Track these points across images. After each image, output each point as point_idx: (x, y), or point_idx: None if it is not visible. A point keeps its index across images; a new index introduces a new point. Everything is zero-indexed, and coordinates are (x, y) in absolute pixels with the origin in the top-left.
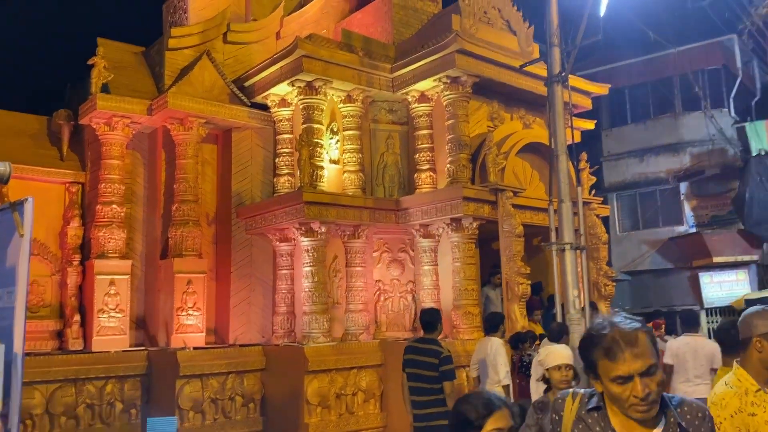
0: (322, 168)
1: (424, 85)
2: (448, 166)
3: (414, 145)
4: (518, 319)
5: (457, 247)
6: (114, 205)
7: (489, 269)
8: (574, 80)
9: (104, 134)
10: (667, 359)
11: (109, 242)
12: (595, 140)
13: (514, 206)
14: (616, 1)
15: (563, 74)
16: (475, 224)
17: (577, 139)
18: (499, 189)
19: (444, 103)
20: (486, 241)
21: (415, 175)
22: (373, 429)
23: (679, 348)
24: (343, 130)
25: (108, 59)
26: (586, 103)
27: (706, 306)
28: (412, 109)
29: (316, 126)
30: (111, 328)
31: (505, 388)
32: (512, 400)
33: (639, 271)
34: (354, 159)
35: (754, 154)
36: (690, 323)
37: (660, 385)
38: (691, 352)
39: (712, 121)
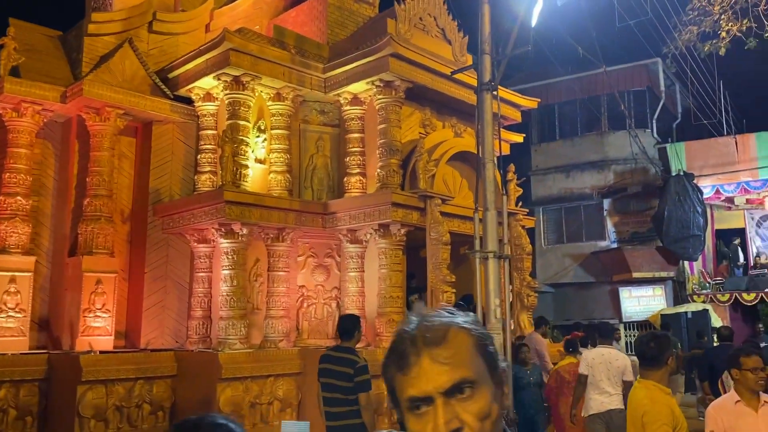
0: (246, 167)
1: (357, 87)
2: (379, 171)
3: (345, 148)
4: None
5: (384, 253)
6: (18, 197)
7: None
8: (504, 93)
9: (11, 121)
10: (582, 369)
11: (11, 236)
12: (524, 154)
13: (443, 214)
14: (549, 18)
15: (493, 83)
16: (403, 231)
17: (506, 151)
18: (428, 196)
19: (376, 107)
20: (414, 249)
21: (345, 179)
22: None
23: (594, 359)
24: (271, 129)
25: (20, 41)
26: (516, 116)
27: (624, 320)
28: (344, 112)
29: (242, 123)
30: (9, 329)
31: None
32: None
33: (562, 283)
34: (281, 159)
35: (673, 174)
36: (605, 335)
37: (493, 419)
38: (605, 364)
39: (636, 140)
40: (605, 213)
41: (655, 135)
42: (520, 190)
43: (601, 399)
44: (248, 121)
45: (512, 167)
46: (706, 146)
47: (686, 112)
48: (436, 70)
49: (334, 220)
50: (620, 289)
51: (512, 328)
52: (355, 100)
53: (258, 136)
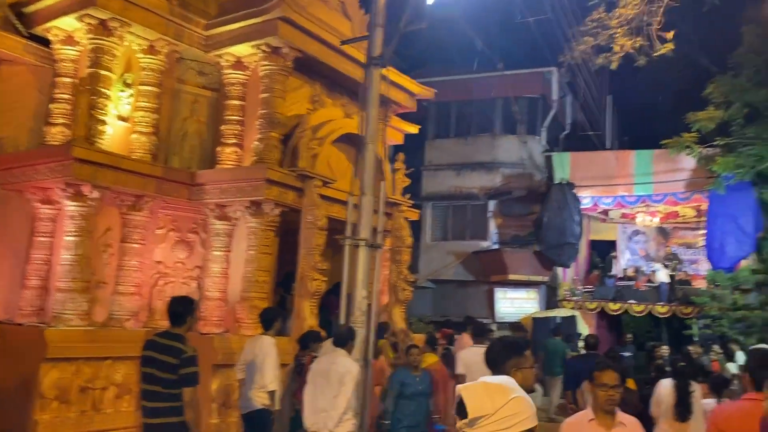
0: (104, 123)
1: (241, 50)
2: (257, 143)
3: (223, 115)
4: (307, 318)
5: (254, 233)
6: None
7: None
8: (400, 78)
9: None
10: (459, 369)
11: None
12: (418, 149)
13: (323, 197)
14: (451, 10)
15: (383, 58)
16: (277, 211)
17: (399, 140)
18: (308, 176)
19: (261, 75)
20: (291, 234)
21: (219, 149)
22: (124, 429)
23: (470, 358)
24: (139, 85)
25: None
26: (411, 105)
27: (497, 320)
28: (225, 75)
29: (104, 73)
30: None
31: (271, 393)
32: (278, 407)
33: (443, 280)
34: (147, 119)
35: (556, 182)
36: (481, 334)
37: None
38: (481, 363)
39: (525, 146)
40: (490, 214)
41: (544, 143)
42: (408, 181)
43: None
44: (112, 73)
45: (401, 156)
46: (589, 159)
47: (574, 123)
48: (330, 42)
49: (201, 193)
50: (496, 289)
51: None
52: (239, 64)
53: (123, 91)
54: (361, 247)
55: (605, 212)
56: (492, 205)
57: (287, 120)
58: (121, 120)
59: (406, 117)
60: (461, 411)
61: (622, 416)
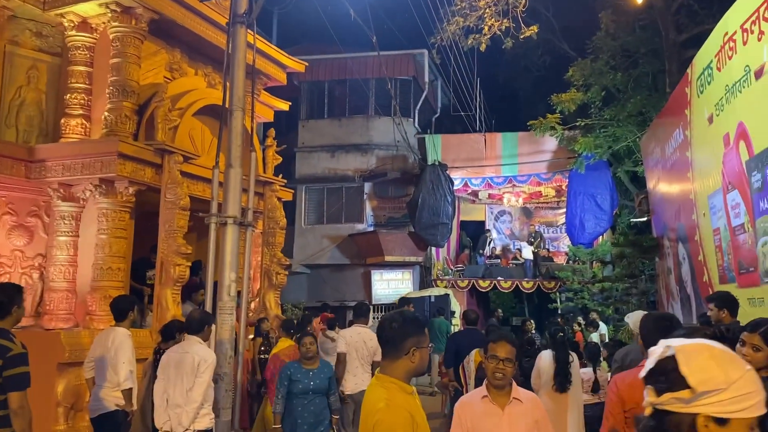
0: None
1: (87, 9)
2: (107, 114)
3: (66, 83)
4: (170, 307)
5: (105, 215)
6: None
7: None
8: (270, 49)
9: None
10: (341, 348)
11: None
12: (291, 130)
13: (185, 174)
14: None
15: (250, 15)
16: (132, 189)
17: (270, 117)
18: (166, 150)
19: (111, 37)
20: (151, 216)
21: (63, 121)
22: None
23: (351, 337)
24: None
25: None
26: (281, 78)
27: (374, 302)
28: (68, 38)
29: None
30: None
31: (126, 392)
32: (136, 407)
33: (318, 264)
34: None
35: (429, 163)
36: (361, 314)
37: None
38: (360, 342)
39: (399, 128)
40: (365, 196)
41: (417, 125)
42: (279, 159)
43: (354, 380)
44: None
45: (272, 132)
46: (460, 141)
47: (445, 107)
48: (190, 4)
49: (42, 170)
50: (372, 271)
51: (253, 308)
52: (84, 25)
53: None
54: (229, 225)
55: (474, 193)
56: (367, 187)
57: (142, 90)
58: None
59: (276, 93)
60: (671, 379)
61: (518, 392)
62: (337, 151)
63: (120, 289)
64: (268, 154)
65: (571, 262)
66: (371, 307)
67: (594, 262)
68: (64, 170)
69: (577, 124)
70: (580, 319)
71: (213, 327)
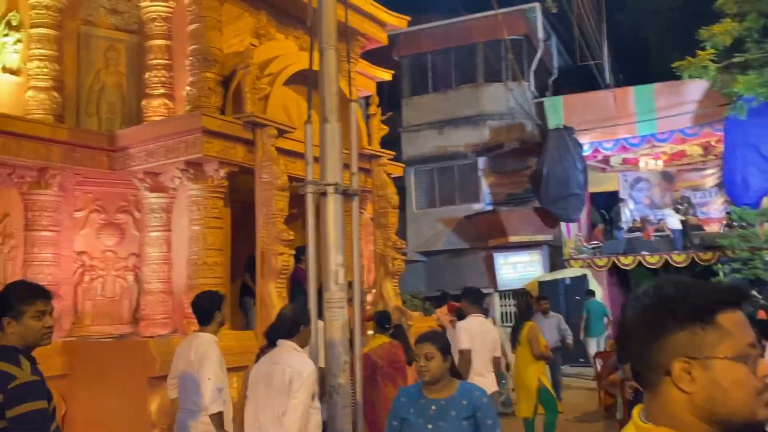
0: None
1: None
2: (188, 89)
3: (146, 61)
4: (275, 303)
5: (196, 203)
6: None
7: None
8: (365, 3)
9: None
10: (465, 343)
11: None
12: (394, 109)
13: (281, 151)
14: None
15: None
16: (222, 172)
17: (371, 89)
18: (258, 123)
19: (186, 2)
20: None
21: (144, 103)
22: None
23: (474, 329)
24: (31, 28)
25: None
26: (381, 37)
27: (500, 288)
28: (143, 10)
29: None
30: None
31: (215, 418)
32: None
33: (434, 251)
34: (46, 71)
35: (551, 128)
36: (474, 301)
37: None
38: (484, 336)
39: (512, 94)
40: (480, 173)
41: (532, 89)
42: (386, 129)
43: (483, 382)
44: None
45: (375, 98)
46: (585, 100)
47: (562, 69)
48: None
49: (125, 159)
50: (495, 255)
51: (370, 300)
52: None
53: (7, 35)
54: (330, 195)
55: (605, 160)
56: (482, 162)
57: (226, 59)
58: (9, 73)
59: (373, 58)
60: None
61: None
62: (445, 126)
63: (219, 287)
64: (373, 125)
65: (732, 227)
66: (498, 294)
67: (765, 224)
68: (148, 156)
69: (734, 60)
70: (755, 293)
71: (321, 324)
